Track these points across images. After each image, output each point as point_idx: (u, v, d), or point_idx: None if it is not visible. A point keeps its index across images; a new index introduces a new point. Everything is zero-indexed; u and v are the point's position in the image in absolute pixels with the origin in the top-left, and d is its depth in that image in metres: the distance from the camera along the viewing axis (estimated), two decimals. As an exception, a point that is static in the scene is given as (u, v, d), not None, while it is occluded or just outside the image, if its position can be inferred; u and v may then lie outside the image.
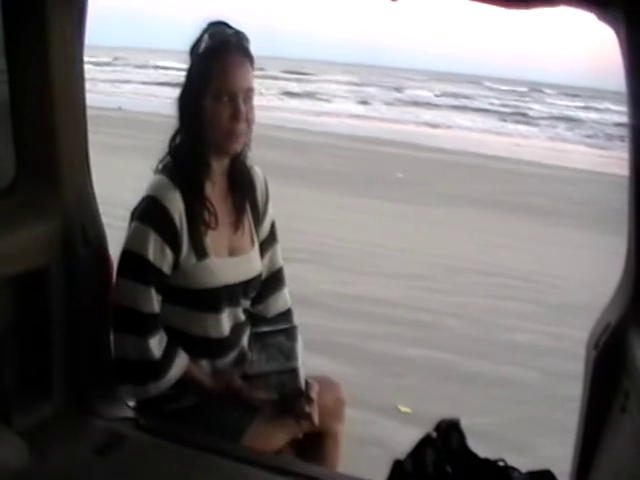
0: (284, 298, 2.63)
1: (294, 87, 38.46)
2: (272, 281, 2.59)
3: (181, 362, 2.36)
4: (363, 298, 6.63)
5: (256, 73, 2.39)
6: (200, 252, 2.34)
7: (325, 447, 2.51)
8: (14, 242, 2.26)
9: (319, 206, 10.71)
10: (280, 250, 2.62)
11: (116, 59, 48.06)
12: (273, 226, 2.59)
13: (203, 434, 2.34)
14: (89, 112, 2.50)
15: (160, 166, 2.38)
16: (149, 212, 2.30)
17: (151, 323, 2.33)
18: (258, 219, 2.53)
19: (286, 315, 2.62)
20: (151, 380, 2.34)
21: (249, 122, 2.34)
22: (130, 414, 2.48)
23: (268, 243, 2.57)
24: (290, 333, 2.43)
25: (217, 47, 2.30)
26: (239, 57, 2.32)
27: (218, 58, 2.30)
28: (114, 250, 2.47)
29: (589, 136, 28.52)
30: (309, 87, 39.12)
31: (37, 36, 2.28)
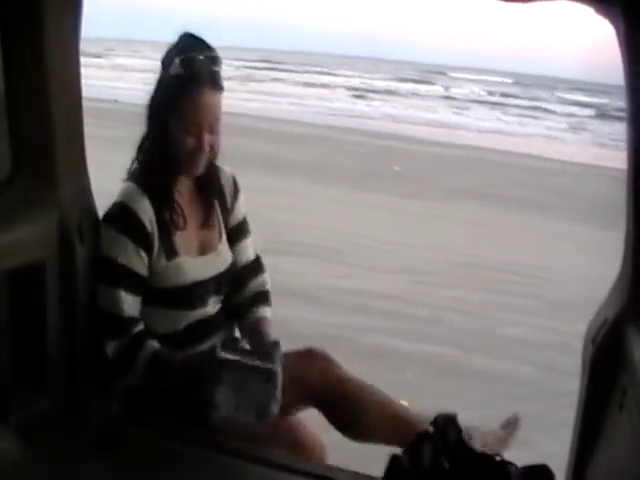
0: (259, 284, 2.65)
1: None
2: (246, 272, 2.63)
3: (146, 352, 2.35)
4: (362, 292, 6.63)
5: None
6: (170, 252, 2.39)
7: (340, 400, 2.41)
8: (10, 237, 2.25)
9: (316, 200, 10.70)
10: (252, 242, 2.65)
11: (109, 50, 47.85)
12: (244, 221, 2.63)
13: (199, 430, 2.33)
14: (84, 104, 2.49)
15: (130, 172, 2.43)
16: (120, 218, 2.37)
17: (125, 325, 2.36)
18: (227, 216, 2.57)
19: (263, 298, 2.64)
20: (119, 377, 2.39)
21: (213, 148, 2.37)
22: (126, 410, 2.47)
23: (239, 238, 2.61)
24: (269, 373, 2.16)
25: (187, 78, 2.29)
26: (208, 90, 2.32)
27: (187, 91, 2.30)
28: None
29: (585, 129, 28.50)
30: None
31: (33, 30, 2.27)
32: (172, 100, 2.32)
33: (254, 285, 2.65)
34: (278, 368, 2.17)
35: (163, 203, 2.39)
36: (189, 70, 2.29)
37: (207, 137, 2.34)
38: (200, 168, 2.40)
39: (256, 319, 2.58)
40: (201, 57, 2.30)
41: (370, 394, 2.41)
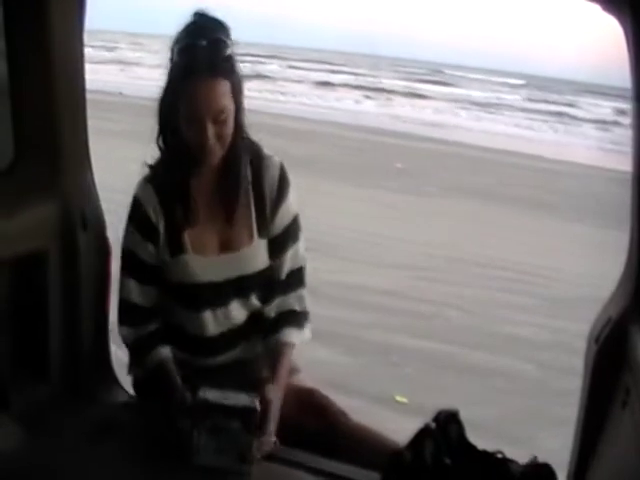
0: (295, 298, 2.42)
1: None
2: (281, 285, 2.40)
3: (162, 353, 2.31)
4: (362, 288, 6.63)
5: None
6: (175, 248, 2.29)
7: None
8: (13, 224, 2.25)
9: (318, 195, 10.68)
10: (300, 249, 2.40)
11: (113, 42, 47.75)
12: (294, 222, 2.38)
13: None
14: (89, 96, 2.49)
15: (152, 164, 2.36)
16: (131, 210, 2.33)
17: (133, 313, 2.33)
18: (264, 212, 2.34)
19: (290, 320, 2.41)
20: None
21: (224, 137, 2.22)
22: (127, 398, 2.47)
23: (284, 241, 2.37)
24: (249, 412, 2.07)
25: (184, 67, 2.17)
26: (206, 80, 2.16)
27: (184, 82, 2.17)
28: (114, 234, 2.48)
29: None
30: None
31: (37, 19, 2.27)
32: (174, 91, 2.20)
33: (285, 301, 2.40)
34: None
35: (175, 198, 2.29)
36: (185, 59, 2.16)
37: (211, 128, 2.17)
38: (213, 159, 2.24)
39: (278, 343, 2.37)
40: (202, 43, 2.15)
41: (366, 437, 2.33)
